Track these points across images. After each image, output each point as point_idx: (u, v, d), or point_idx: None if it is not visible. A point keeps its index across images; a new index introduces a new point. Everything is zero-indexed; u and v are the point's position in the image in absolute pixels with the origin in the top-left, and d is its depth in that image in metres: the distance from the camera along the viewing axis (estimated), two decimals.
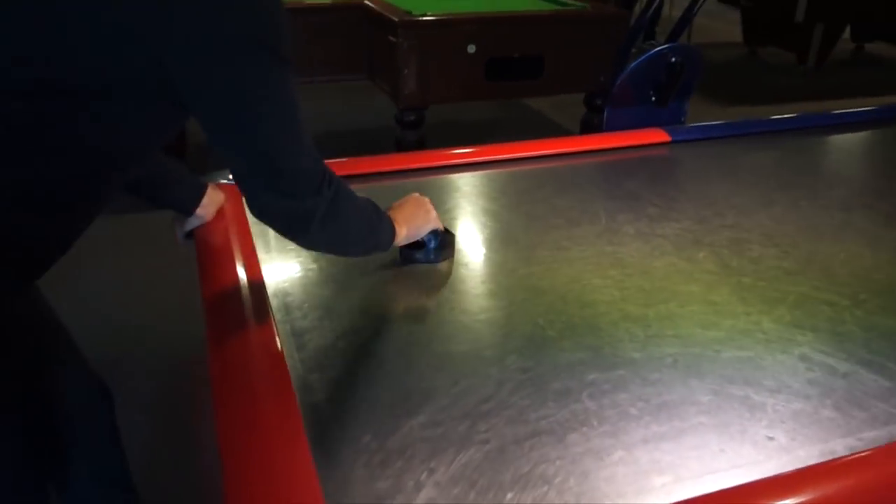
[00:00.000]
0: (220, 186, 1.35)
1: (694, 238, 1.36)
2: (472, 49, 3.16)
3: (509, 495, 0.77)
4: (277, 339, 0.98)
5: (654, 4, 1.90)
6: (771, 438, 0.87)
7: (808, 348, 1.04)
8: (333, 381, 0.95)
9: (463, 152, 1.70)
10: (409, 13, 3.12)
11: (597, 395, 0.93)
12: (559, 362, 0.99)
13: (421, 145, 3.16)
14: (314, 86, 3.62)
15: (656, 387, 0.95)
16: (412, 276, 1.21)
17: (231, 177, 1.48)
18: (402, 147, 3.19)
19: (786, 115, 2.09)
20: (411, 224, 1.15)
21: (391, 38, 3.10)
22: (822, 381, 0.97)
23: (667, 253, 1.30)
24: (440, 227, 1.23)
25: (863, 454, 0.81)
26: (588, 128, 3.20)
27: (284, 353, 0.95)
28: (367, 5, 3.34)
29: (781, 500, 0.74)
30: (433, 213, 1.20)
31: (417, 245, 1.22)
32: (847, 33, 6.20)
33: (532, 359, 1.00)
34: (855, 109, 2.15)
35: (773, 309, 1.13)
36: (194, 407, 1.70)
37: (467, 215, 1.45)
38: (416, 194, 1.21)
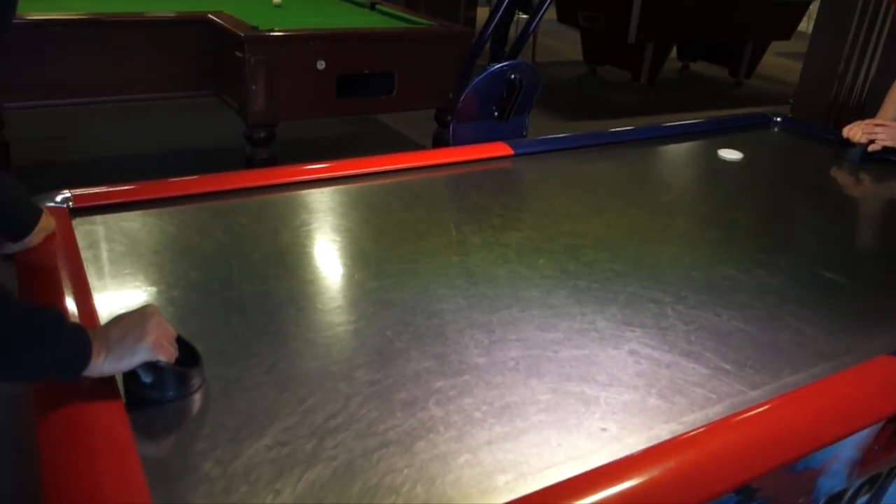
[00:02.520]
0: (49, 210, 1.27)
1: (534, 246, 1.43)
2: (321, 65, 3.15)
3: None
4: None
5: (494, 23, 1.97)
6: (604, 430, 0.92)
7: (637, 343, 1.12)
8: (171, 411, 0.91)
9: (311, 168, 1.69)
10: (255, 28, 3.07)
11: (443, 401, 0.95)
12: (406, 372, 1.00)
13: (272, 163, 3.11)
14: (159, 102, 3.47)
15: (499, 389, 0.98)
16: (256, 297, 1.19)
17: (59, 199, 1.39)
18: (252, 165, 3.11)
19: (618, 129, 2.24)
20: (118, 347, 0.86)
21: (238, 53, 3.04)
22: (649, 372, 1.05)
23: (510, 261, 1.36)
24: (166, 355, 0.90)
25: (683, 436, 0.88)
26: (440, 143, 3.28)
27: (118, 381, 0.90)
28: (213, 20, 3.25)
29: (612, 485, 0.79)
30: (151, 337, 0.88)
31: (167, 376, 0.91)
32: (674, 53, 6.76)
33: (380, 371, 1.01)
34: (679, 122, 2.34)
35: (605, 309, 1.21)
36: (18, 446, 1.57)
37: (317, 232, 1.44)
38: (150, 307, 0.93)
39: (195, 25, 3.30)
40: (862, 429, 0.97)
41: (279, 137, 3.23)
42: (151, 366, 0.89)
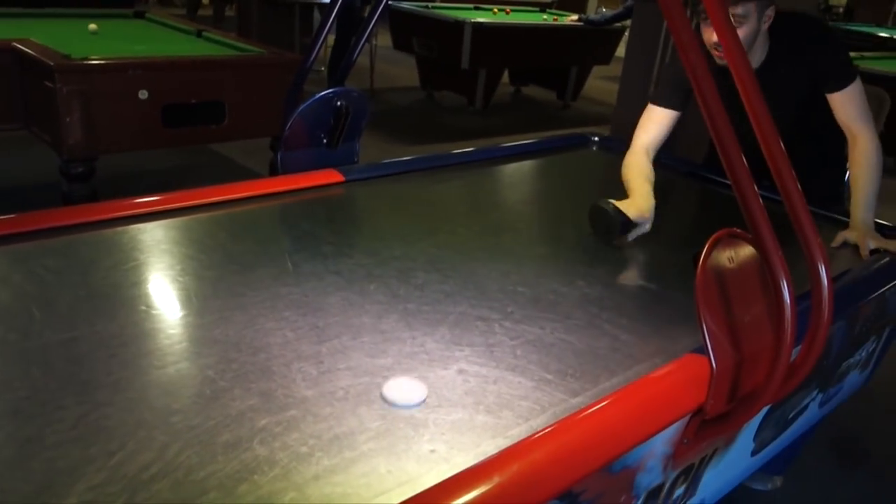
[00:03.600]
0: None
1: (366, 271, 1.42)
2: (144, 95, 2.99)
3: None
4: None
5: (317, 49, 1.96)
6: (433, 451, 0.93)
7: (465, 362, 1.14)
8: None
9: (126, 203, 1.59)
10: (67, 57, 2.87)
11: (268, 439, 0.92)
12: (229, 413, 0.96)
13: (92, 199, 2.90)
14: None
15: (328, 421, 0.96)
16: (62, 345, 1.09)
17: None
18: (69, 203, 2.89)
19: (448, 152, 2.30)
20: None
21: (48, 83, 2.82)
22: (477, 389, 1.07)
23: (341, 288, 1.35)
24: None
25: (506, 451, 0.90)
26: (276, 171, 3.20)
27: None
28: (18, 48, 3.00)
29: None
30: None
31: None
32: (506, 78, 7.07)
33: (201, 413, 0.96)
34: (507, 144, 2.44)
35: (435, 330, 1.23)
36: None
37: (133, 272, 1.35)
38: None
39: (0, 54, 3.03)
40: (671, 423, 1.04)
41: (102, 172, 3.03)
42: None
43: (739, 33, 1.77)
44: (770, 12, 1.83)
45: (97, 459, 0.86)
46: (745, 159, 1.06)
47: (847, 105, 1.88)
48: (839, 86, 1.88)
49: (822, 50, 1.90)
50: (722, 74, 1.85)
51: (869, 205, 1.80)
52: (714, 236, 1.10)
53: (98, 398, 0.97)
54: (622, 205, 1.65)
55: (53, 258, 1.36)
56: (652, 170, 1.89)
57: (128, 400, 0.97)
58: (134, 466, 0.85)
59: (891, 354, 1.90)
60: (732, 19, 1.78)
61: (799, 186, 1.10)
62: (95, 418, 0.93)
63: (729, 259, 1.12)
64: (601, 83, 7.92)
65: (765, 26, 1.85)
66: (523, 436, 0.96)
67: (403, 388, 1.05)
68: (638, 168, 1.87)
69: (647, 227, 1.70)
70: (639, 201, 1.71)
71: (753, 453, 1.43)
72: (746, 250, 1.12)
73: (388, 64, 7.23)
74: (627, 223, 1.64)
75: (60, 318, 1.16)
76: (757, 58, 1.93)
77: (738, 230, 1.13)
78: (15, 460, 0.84)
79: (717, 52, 1.84)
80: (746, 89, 1.07)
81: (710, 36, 1.81)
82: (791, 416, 1.52)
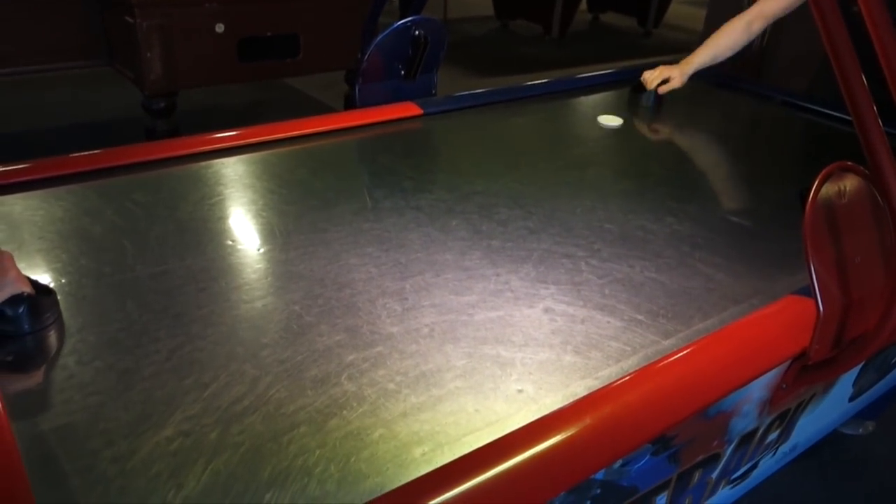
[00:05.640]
0: None
1: (447, 207, 1.40)
2: (220, 29, 2.99)
3: (267, 495, 0.74)
4: None
5: None
6: (520, 391, 0.91)
7: (551, 300, 1.11)
8: (58, 405, 0.84)
9: (208, 138, 1.60)
10: None
11: (356, 375, 0.92)
12: (317, 348, 0.96)
13: (174, 134, 2.96)
14: (45, 75, 3.24)
15: (414, 358, 0.96)
16: (153, 279, 1.12)
17: None
18: (152, 137, 2.96)
19: (527, 83, 2.22)
20: None
21: (128, 18, 2.85)
22: (564, 329, 1.04)
23: (422, 224, 1.32)
24: (21, 289, 0.96)
25: (597, 392, 0.88)
26: (351, 104, 3.18)
27: None
28: None
29: (528, 448, 0.78)
30: (12, 273, 0.96)
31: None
32: (584, 5, 6.77)
33: (289, 348, 0.96)
34: (590, 74, 2.34)
35: (519, 267, 1.19)
36: None
37: (218, 206, 1.36)
38: (4, 252, 1.00)
39: None
40: (770, 369, 0.99)
41: (181, 106, 3.07)
42: (15, 299, 0.94)
43: None
44: None
45: (192, 391, 0.87)
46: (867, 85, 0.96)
47: None
48: None
49: None
50: None
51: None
52: (826, 170, 1.02)
53: (190, 331, 0.99)
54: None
55: (142, 192, 1.38)
56: (735, 42, 1.97)
57: (219, 333, 0.99)
58: (227, 399, 0.87)
59: None
60: None
61: None
62: (189, 351, 0.95)
63: (840, 195, 1.03)
64: (686, 8, 7.49)
65: None
66: (614, 377, 0.93)
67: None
68: (718, 36, 2.01)
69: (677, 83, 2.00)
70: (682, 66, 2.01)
71: (851, 399, 1.37)
72: (861, 186, 1.03)
73: None
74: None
75: (151, 252, 1.18)
76: None
77: (852, 164, 1.04)
78: (115, 390, 0.87)
79: None
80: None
81: None
82: (893, 360, 1.44)
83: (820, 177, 1.01)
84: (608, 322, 1.07)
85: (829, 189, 1.02)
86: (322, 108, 4.12)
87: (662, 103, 2.05)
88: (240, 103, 4.17)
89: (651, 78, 2.04)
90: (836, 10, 0.92)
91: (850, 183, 1.04)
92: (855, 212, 1.04)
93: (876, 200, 1.01)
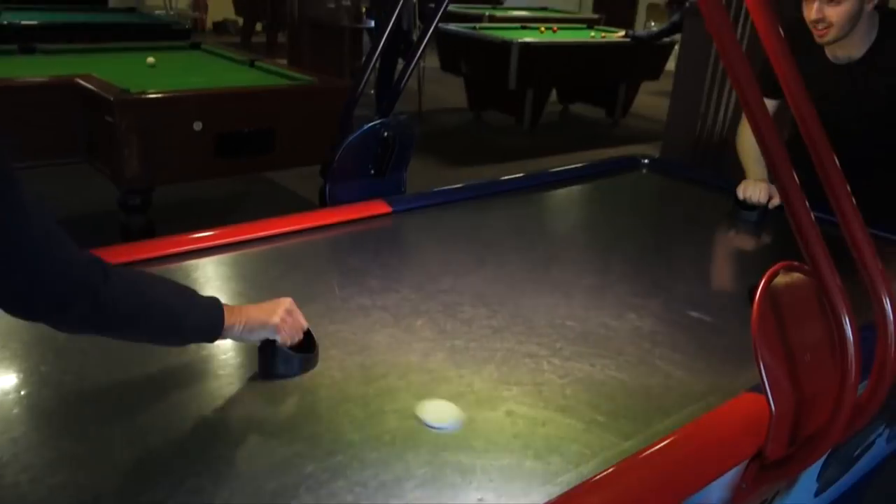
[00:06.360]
0: None
1: (413, 307, 1.42)
2: (198, 126, 3.07)
3: None
4: None
5: (366, 76, 1.99)
6: (480, 500, 0.91)
7: (513, 402, 1.12)
8: None
9: (175, 240, 1.61)
10: (126, 91, 2.97)
11: (314, 487, 0.91)
12: (275, 459, 0.96)
13: (150, 230, 2.98)
14: (27, 171, 3.28)
15: (374, 467, 0.95)
16: (102, 388, 1.11)
17: None
18: (127, 233, 2.98)
19: (495, 179, 2.29)
20: (250, 319, 1.09)
21: (108, 118, 2.92)
22: (525, 432, 1.05)
23: (387, 325, 1.34)
24: (286, 338, 1.13)
25: (555, 501, 0.88)
26: (325, 201, 3.24)
27: None
28: (81, 84, 3.11)
29: None
30: (277, 319, 1.11)
31: (278, 356, 1.13)
32: (554, 96, 7.04)
33: (245, 461, 0.96)
34: (555, 169, 2.42)
35: (482, 368, 1.21)
36: None
37: None
38: (288, 300, 1.16)
39: (62, 91, 3.15)
40: (727, 470, 1.00)
41: (158, 201, 3.12)
42: (271, 343, 1.12)
43: (836, 11, 1.69)
44: None
45: None
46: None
47: None
48: None
49: None
50: (822, 66, 1.81)
51: None
52: (770, 270, 1.06)
53: (147, 443, 0.98)
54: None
55: None
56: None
57: (175, 445, 0.98)
58: None
59: None
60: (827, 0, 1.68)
61: (854, 207, 1.05)
62: (146, 462, 0.94)
63: (786, 293, 1.07)
64: (651, 99, 7.80)
65: (869, 6, 1.73)
66: (573, 483, 0.93)
67: (439, 410, 1.06)
68: (749, 147, 2.04)
69: (775, 200, 1.95)
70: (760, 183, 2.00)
71: (818, 494, 1.37)
72: (806, 282, 1.07)
73: (436, 85, 7.27)
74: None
75: (112, 361, 1.18)
76: (859, 44, 1.80)
77: (796, 262, 1.08)
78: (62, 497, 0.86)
79: (818, 30, 1.74)
80: (789, 85, 1.01)
81: (811, 12, 1.72)
82: (856, 453, 1.45)
83: (765, 277, 1.05)
84: (569, 424, 1.08)
85: (775, 288, 1.06)
86: (299, 201, 4.18)
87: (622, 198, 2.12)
88: (216, 195, 4.23)
89: (758, 196, 1.99)
90: (762, 106, 0.97)
91: (795, 281, 1.09)
92: (801, 309, 1.08)
93: (820, 297, 1.05)
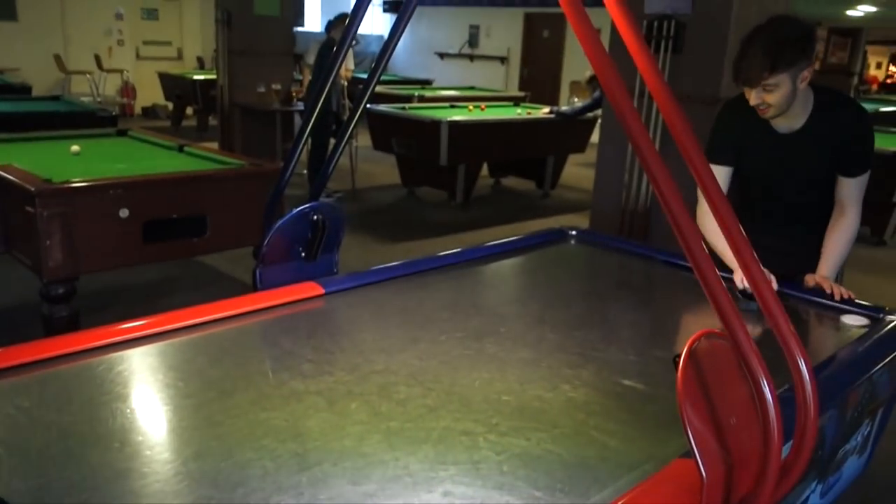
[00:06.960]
0: None
1: (346, 389, 1.40)
2: (124, 213, 3.02)
3: None
4: None
5: (294, 160, 2.00)
6: None
7: (450, 483, 1.11)
8: None
9: (96, 332, 1.55)
10: (48, 181, 2.91)
11: None
12: None
13: (74, 321, 2.88)
14: None
15: None
16: (30, 493, 1.05)
17: None
18: (50, 324, 2.87)
19: (425, 257, 2.31)
20: None
21: (29, 208, 2.84)
22: None
23: (321, 410, 1.32)
24: None
25: None
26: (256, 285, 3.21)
27: None
28: (0, 175, 3.04)
29: None
30: None
31: None
32: (486, 170, 7.22)
33: None
34: (483, 245, 2.45)
35: (418, 449, 1.19)
36: None
37: (105, 407, 1.31)
38: None
39: None
40: None
41: (84, 288, 3.02)
42: None
43: (773, 96, 1.91)
44: (806, 73, 1.90)
45: None
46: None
47: (854, 188, 2.03)
48: (857, 172, 2.02)
49: (859, 138, 2.01)
50: (769, 135, 1.99)
51: (836, 266, 2.05)
52: (691, 339, 1.10)
53: None
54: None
55: (26, 396, 1.33)
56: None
57: None
58: None
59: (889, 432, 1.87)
60: (763, 88, 1.89)
61: (763, 273, 1.11)
62: None
63: (709, 359, 1.11)
64: (578, 170, 8.10)
65: (802, 85, 1.92)
66: None
67: None
68: (710, 226, 1.99)
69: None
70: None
71: None
72: (725, 349, 1.11)
73: (368, 163, 7.37)
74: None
75: (30, 464, 1.12)
76: (797, 117, 2.01)
77: (715, 330, 1.12)
78: None
79: (760, 110, 1.95)
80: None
81: (752, 98, 1.93)
82: None
83: (687, 345, 1.08)
84: (507, 502, 1.07)
85: (697, 354, 1.09)
86: (231, 283, 4.12)
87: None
88: (147, 279, 4.13)
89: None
90: (669, 180, 1.03)
91: (715, 347, 1.12)
92: (724, 374, 1.11)
93: (740, 361, 1.09)
